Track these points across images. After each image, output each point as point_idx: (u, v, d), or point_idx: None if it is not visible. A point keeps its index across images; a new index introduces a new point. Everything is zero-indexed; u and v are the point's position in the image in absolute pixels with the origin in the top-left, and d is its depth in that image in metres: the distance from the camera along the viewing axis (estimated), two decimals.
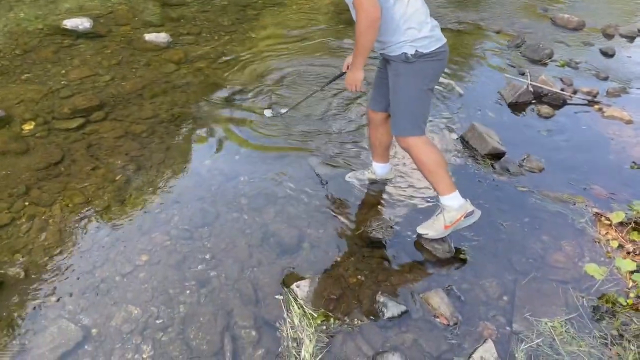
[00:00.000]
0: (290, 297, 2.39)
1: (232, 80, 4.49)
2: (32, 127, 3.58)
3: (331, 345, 2.19)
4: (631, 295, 2.50)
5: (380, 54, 2.59)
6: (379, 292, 2.45)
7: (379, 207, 3.09)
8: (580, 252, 2.79)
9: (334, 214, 3.00)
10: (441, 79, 4.49)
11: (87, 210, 2.91)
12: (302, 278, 2.50)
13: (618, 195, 3.28)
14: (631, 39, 6.28)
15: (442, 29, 2.53)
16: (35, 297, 2.38)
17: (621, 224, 2.96)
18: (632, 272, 2.58)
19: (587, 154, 3.80)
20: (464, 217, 2.70)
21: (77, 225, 2.81)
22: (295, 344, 2.18)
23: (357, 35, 2.35)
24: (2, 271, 2.49)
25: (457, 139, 3.86)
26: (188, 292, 2.43)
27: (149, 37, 5.08)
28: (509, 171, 3.47)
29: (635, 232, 2.91)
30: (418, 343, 2.24)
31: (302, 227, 2.87)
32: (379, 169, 3.18)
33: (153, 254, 2.63)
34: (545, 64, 5.29)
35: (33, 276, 2.49)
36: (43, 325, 2.24)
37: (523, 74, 4.88)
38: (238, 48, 5.12)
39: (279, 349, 2.18)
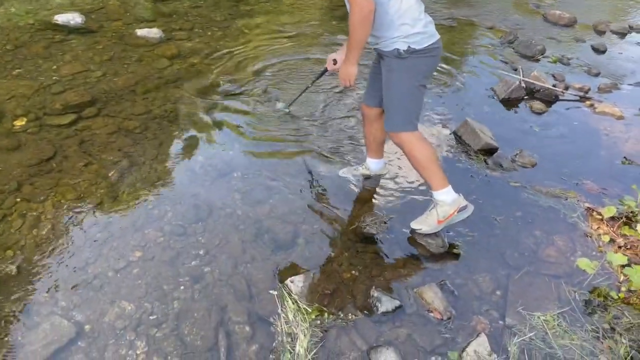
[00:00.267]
0: (285, 292, 2.39)
1: (225, 75, 4.48)
2: (23, 123, 3.55)
3: (325, 340, 2.20)
4: (622, 289, 2.52)
5: (375, 49, 2.59)
6: (373, 287, 2.45)
7: (373, 202, 3.10)
8: (572, 247, 2.81)
9: (327, 209, 3.00)
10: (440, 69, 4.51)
11: (79, 207, 2.89)
12: (296, 273, 2.50)
13: (609, 190, 3.31)
14: (622, 35, 6.34)
15: (435, 25, 2.53)
16: (27, 293, 2.36)
17: (612, 218, 2.99)
18: (623, 266, 2.59)
19: (579, 149, 3.84)
20: (457, 212, 2.71)
21: (69, 221, 2.79)
22: (289, 339, 2.18)
23: (351, 29, 2.35)
24: None
25: (450, 134, 3.87)
26: (182, 288, 2.42)
27: (141, 32, 5.06)
28: (502, 166, 3.49)
29: (627, 227, 2.94)
30: (412, 337, 2.25)
31: (296, 222, 2.87)
32: (372, 165, 3.18)
33: (147, 250, 2.62)
34: (537, 60, 5.32)
35: (25, 273, 2.47)
36: (36, 321, 2.22)
37: (515, 70, 4.91)
38: (231, 43, 5.11)
39: (274, 344, 2.18)
